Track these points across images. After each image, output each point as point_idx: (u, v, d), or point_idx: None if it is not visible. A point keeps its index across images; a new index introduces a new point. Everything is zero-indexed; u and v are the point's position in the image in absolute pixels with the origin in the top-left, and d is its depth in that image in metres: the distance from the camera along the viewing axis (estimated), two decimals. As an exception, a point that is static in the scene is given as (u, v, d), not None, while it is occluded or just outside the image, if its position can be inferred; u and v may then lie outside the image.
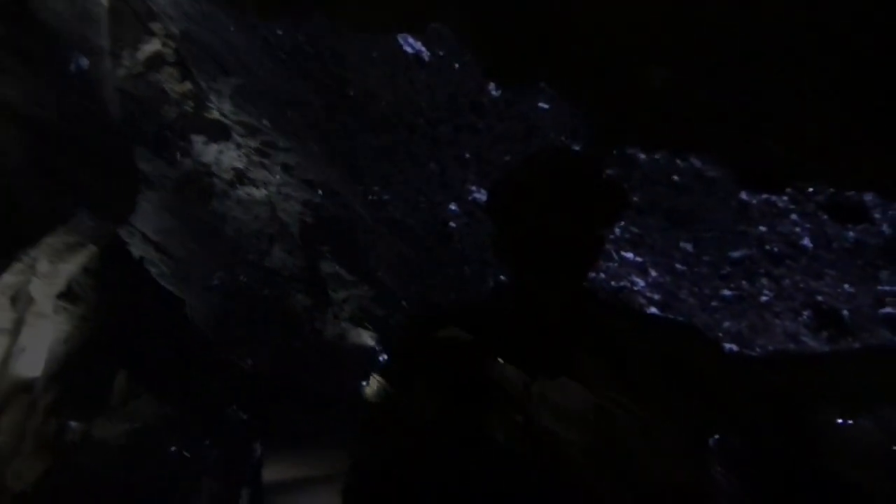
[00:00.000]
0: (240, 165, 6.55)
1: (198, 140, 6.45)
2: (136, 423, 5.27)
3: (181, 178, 6.50)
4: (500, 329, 1.82)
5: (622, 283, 3.83)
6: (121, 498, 5.09)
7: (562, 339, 1.77)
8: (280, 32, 3.46)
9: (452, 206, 3.62)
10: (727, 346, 3.83)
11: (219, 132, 6.35)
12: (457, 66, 3.92)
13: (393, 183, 3.61)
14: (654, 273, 3.89)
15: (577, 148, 3.64)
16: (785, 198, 4.23)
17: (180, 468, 5.55)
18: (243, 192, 6.65)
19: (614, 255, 3.86)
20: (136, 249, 6.47)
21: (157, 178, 6.38)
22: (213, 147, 6.45)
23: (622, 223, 3.87)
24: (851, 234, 4.30)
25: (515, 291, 1.70)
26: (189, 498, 5.57)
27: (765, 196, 4.18)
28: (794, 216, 4.38)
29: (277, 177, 5.97)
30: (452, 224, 3.56)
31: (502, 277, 3.27)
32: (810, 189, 4.19)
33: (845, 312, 4.25)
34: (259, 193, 6.61)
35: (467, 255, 3.52)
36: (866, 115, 2.86)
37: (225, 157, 6.54)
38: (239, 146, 6.32)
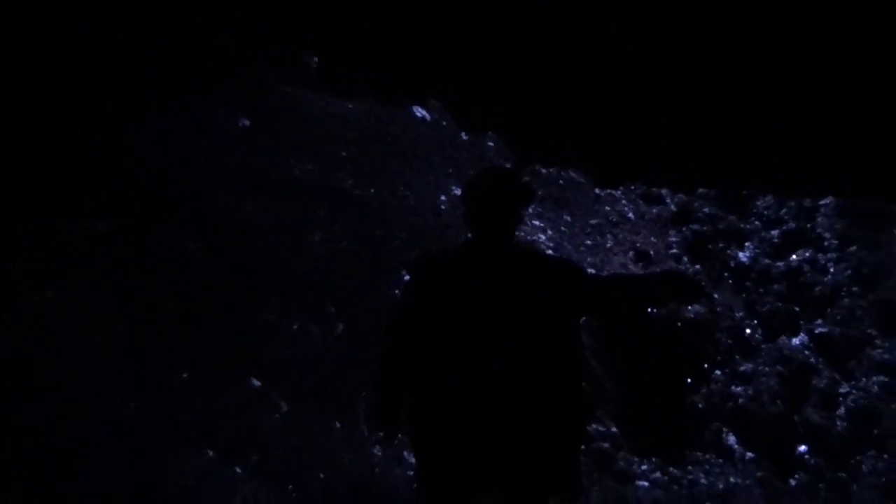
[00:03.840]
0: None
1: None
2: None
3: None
4: (463, 262, 2.52)
5: (533, 238, 6.97)
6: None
7: (495, 268, 2.45)
8: (350, 106, 6.39)
9: (442, 197, 6.57)
10: (588, 270, 7.03)
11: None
12: (444, 123, 6.90)
13: (411, 185, 6.63)
14: (550, 232, 6.95)
15: (508, 165, 6.74)
16: (619, 191, 7.45)
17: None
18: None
19: (528, 222, 6.99)
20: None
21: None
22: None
23: (532, 204, 7.09)
24: (655, 210, 7.44)
25: (474, 242, 2.54)
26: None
27: (608, 190, 7.28)
28: (623, 201, 7.49)
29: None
30: (442, 207, 6.54)
31: (469, 235, 5.96)
32: (633, 186, 7.49)
33: (651, 252, 6.95)
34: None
35: (450, 223, 6.55)
36: (661, 144, 5.51)
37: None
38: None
